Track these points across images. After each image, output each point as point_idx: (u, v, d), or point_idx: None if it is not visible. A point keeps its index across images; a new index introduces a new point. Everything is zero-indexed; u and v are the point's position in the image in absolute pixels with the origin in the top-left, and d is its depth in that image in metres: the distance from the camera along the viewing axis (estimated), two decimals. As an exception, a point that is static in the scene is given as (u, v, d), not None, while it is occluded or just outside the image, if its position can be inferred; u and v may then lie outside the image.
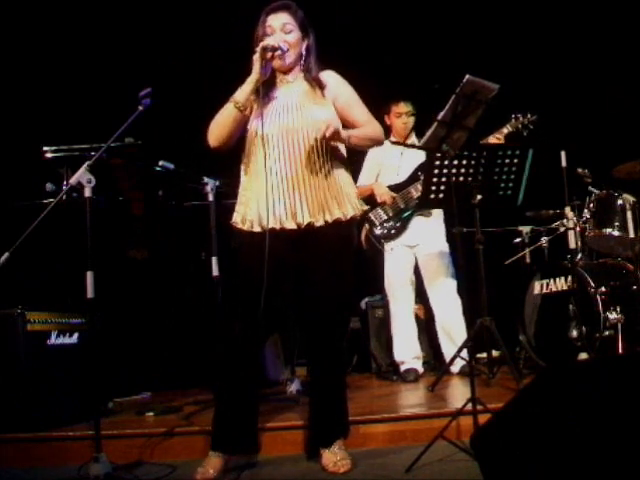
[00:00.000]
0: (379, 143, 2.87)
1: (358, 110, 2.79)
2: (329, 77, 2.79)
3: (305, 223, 2.65)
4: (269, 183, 2.62)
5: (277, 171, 2.65)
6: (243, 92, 2.66)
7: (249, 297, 2.62)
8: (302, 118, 2.68)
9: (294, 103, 2.71)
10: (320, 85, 2.76)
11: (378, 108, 4.79)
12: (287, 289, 2.76)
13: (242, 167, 2.78)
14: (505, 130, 4.09)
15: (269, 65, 2.69)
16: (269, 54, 2.64)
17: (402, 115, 4.34)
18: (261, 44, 2.64)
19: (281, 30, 2.70)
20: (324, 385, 2.78)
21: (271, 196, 2.63)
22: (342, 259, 2.73)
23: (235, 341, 2.69)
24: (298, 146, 2.66)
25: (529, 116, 4.10)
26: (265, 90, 2.70)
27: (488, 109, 3.59)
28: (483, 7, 5.05)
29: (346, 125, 2.77)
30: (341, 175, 2.75)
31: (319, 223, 2.66)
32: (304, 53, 2.77)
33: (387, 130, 4.45)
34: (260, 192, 2.66)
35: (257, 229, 2.67)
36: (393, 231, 4.32)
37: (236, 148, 2.78)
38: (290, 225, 2.64)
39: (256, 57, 2.64)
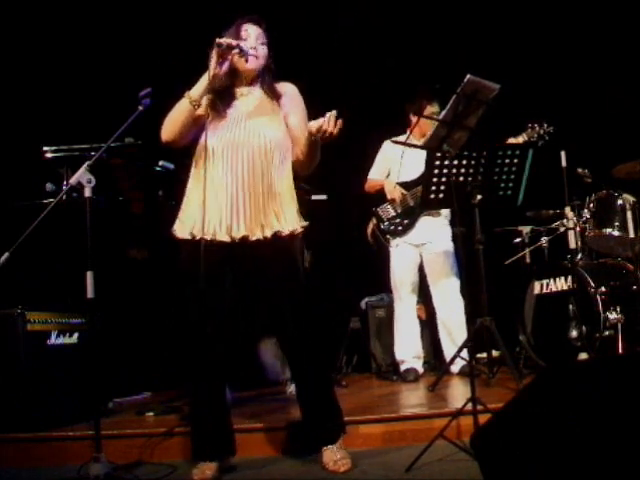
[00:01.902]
0: (308, 169, 2.81)
1: (303, 130, 2.72)
2: (286, 88, 2.82)
3: (239, 237, 2.65)
4: (208, 193, 2.64)
5: (219, 182, 2.66)
6: (197, 88, 2.67)
7: (195, 305, 2.67)
8: (249, 133, 2.69)
9: (243, 116, 2.73)
10: (276, 95, 2.78)
11: (379, 108, 4.83)
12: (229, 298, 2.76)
13: (190, 175, 2.79)
14: (521, 139, 4.07)
15: (225, 63, 2.67)
16: (226, 51, 2.63)
17: (433, 115, 4.24)
18: (217, 39, 2.63)
19: (256, 39, 2.74)
20: (310, 388, 2.78)
21: (210, 207, 2.64)
22: (285, 270, 2.71)
23: (196, 348, 2.71)
24: (242, 160, 2.67)
25: (545, 126, 4.06)
26: (223, 101, 2.72)
27: (491, 111, 3.59)
28: (483, 7, 5.05)
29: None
30: (284, 191, 2.74)
31: (255, 237, 2.66)
32: (264, 71, 2.79)
33: (405, 126, 4.43)
34: (200, 202, 2.66)
35: (186, 236, 2.69)
36: (400, 228, 4.32)
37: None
38: (223, 237, 2.65)
39: (213, 53, 2.65)
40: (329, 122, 2.50)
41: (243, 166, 2.67)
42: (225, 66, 2.69)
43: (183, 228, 2.72)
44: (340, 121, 2.51)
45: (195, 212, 2.69)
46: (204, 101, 2.70)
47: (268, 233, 2.67)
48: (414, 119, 4.33)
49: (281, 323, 2.76)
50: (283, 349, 2.89)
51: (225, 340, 2.72)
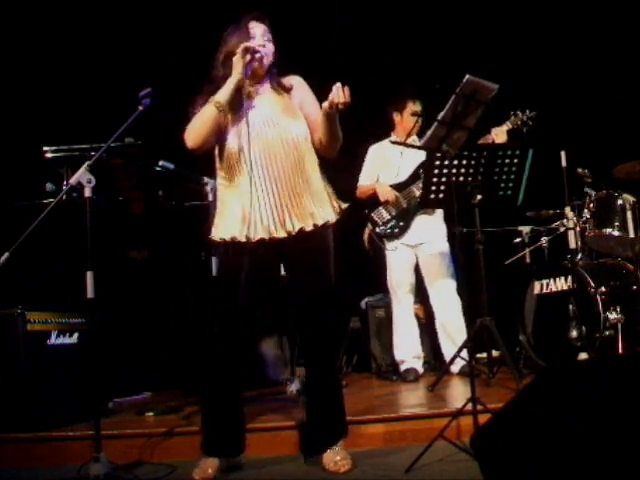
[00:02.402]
0: (334, 149, 2.81)
1: (319, 113, 2.75)
2: (293, 80, 2.83)
3: (296, 230, 2.68)
4: (254, 197, 2.66)
5: (261, 185, 2.68)
6: (224, 93, 2.67)
7: (231, 306, 2.70)
8: (278, 130, 2.71)
9: (270, 117, 2.74)
10: (286, 89, 2.80)
11: (379, 107, 4.82)
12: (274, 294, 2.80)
13: (220, 180, 2.79)
14: (505, 127, 4.10)
15: (250, 66, 2.70)
16: (249, 56, 2.66)
17: (417, 114, 4.27)
18: (243, 44, 2.66)
19: (262, 36, 2.75)
20: (319, 386, 2.80)
21: (258, 209, 2.67)
22: (326, 261, 2.78)
23: (215, 346, 2.73)
24: (279, 157, 2.69)
25: (528, 112, 4.11)
26: (238, 102, 2.72)
27: (488, 109, 3.59)
28: (483, 7, 5.05)
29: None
30: (317, 179, 2.78)
31: (309, 227, 2.70)
32: (271, 66, 2.81)
33: (392, 126, 4.44)
34: (244, 205, 2.68)
35: (242, 239, 2.68)
36: (396, 230, 4.32)
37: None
38: (281, 234, 2.68)
39: (237, 58, 2.65)
40: (338, 94, 2.54)
41: (281, 163, 2.69)
42: (249, 69, 2.70)
43: (229, 232, 2.70)
44: (347, 88, 2.55)
45: (240, 215, 2.69)
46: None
47: (320, 221, 2.72)
48: (397, 118, 4.35)
49: (309, 315, 2.77)
50: (304, 342, 2.87)
51: (250, 339, 2.78)
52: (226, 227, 2.72)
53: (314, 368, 2.82)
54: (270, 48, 2.77)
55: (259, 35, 2.74)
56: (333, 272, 2.79)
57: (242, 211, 2.69)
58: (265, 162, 2.68)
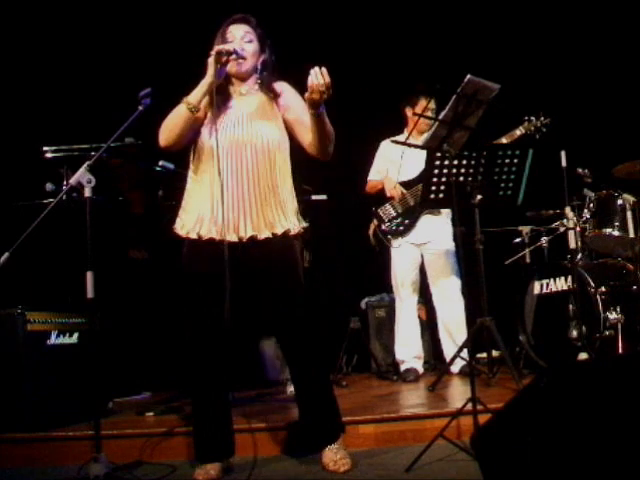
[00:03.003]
0: (327, 149, 2.76)
1: (307, 115, 2.71)
2: (282, 86, 2.82)
3: (247, 236, 2.67)
4: (215, 193, 2.65)
5: (225, 183, 2.65)
6: (196, 94, 2.67)
7: (198, 305, 2.69)
8: (251, 132, 2.70)
9: (245, 116, 2.73)
10: (275, 94, 2.79)
11: (379, 107, 4.82)
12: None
13: (190, 174, 2.79)
14: (518, 132, 4.09)
15: (223, 69, 2.69)
16: (224, 58, 2.66)
17: (429, 112, 4.19)
18: (216, 47, 2.66)
19: (241, 39, 2.75)
20: (307, 388, 2.78)
21: (215, 207, 2.66)
22: (290, 270, 2.74)
23: (191, 350, 2.72)
24: (246, 160, 2.68)
25: (542, 119, 4.08)
26: (220, 100, 2.72)
27: (490, 109, 3.59)
28: (485, 7, 5.05)
29: (295, 138, 2.79)
30: (285, 190, 2.76)
31: (262, 236, 2.68)
32: (259, 67, 2.80)
33: (405, 123, 4.43)
34: (204, 201, 2.68)
35: (193, 236, 2.69)
36: (401, 227, 4.32)
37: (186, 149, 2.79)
38: (231, 237, 2.65)
39: (211, 60, 2.65)
40: (316, 76, 2.49)
41: (247, 166, 2.68)
42: (223, 71, 2.70)
43: (187, 227, 2.72)
44: (324, 69, 2.49)
45: (199, 211, 2.70)
46: (202, 103, 2.70)
47: (274, 232, 2.69)
48: (411, 116, 4.34)
49: (280, 322, 2.77)
50: (282, 349, 2.89)
51: (226, 342, 2.72)
52: (186, 222, 2.72)
53: (298, 370, 2.79)
54: (250, 49, 2.75)
55: (238, 37, 2.74)
56: (299, 279, 2.74)
57: (202, 208, 2.69)
58: (232, 163, 2.67)
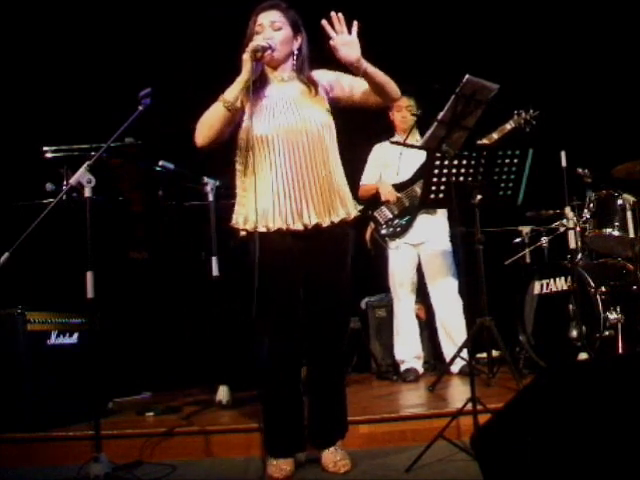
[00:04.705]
0: (393, 91, 2.70)
1: (356, 79, 2.71)
2: (316, 74, 2.79)
3: (312, 224, 2.64)
4: (274, 184, 2.63)
5: (281, 172, 2.63)
6: (232, 92, 2.64)
7: (275, 296, 2.64)
8: (301, 118, 2.67)
9: (291, 103, 2.70)
10: (314, 83, 2.76)
11: (371, 111, 4.81)
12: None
13: (239, 167, 2.74)
14: (508, 126, 4.10)
15: (259, 65, 2.67)
16: (259, 54, 2.63)
17: (402, 109, 4.30)
18: (250, 45, 2.63)
19: (270, 27, 2.70)
20: (324, 386, 2.77)
21: (277, 197, 2.63)
22: (344, 260, 2.75)
23: (277, 357, 2.67)
24: (298, 147, 2.64)
25: (531, 112, 4.11)
26: (258, 88, 2.69)
27: (489, 109, 3.59)
28: (483, 6, 5.05)
29: (365, 104, 2.77)
30: (338, 176, 2.74)
31: (326, 224, 2.66)
32: (296, 52, 2.76)
33: (391, 127, 4.45)
34: (264, 193, 2.63)
35: (261, 229, 2.63)
36: (399, 229, 4.32)
37: (227, 146, 2.76)
38: (297, 226, 2.63)
39: (246, 57, 2.62)
40: (335, 23, 2.55)
41: (305, 152, 2.65)
42: (259, 67, 2.68)
43: (251, 221, 2.64)
44: (340, 15, 2.55)
45: (261, 203, 2.62)
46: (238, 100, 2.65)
47: (336, 219, 2.67)
48: (391, 116, 4.37)
49: (319, 317, 2.71)
50: (311, 340, 2.75)
51: (300, 334, 2.68)
52: (248, 216, 2.66)
53: (321, 370, 2.76)
54: (280, 37, 2.70)
55: (267, 26, 2.70)
56: (349, 274, 2.75)
57: (263, 199, 2.62)
58: (289, 151, 2.64)
